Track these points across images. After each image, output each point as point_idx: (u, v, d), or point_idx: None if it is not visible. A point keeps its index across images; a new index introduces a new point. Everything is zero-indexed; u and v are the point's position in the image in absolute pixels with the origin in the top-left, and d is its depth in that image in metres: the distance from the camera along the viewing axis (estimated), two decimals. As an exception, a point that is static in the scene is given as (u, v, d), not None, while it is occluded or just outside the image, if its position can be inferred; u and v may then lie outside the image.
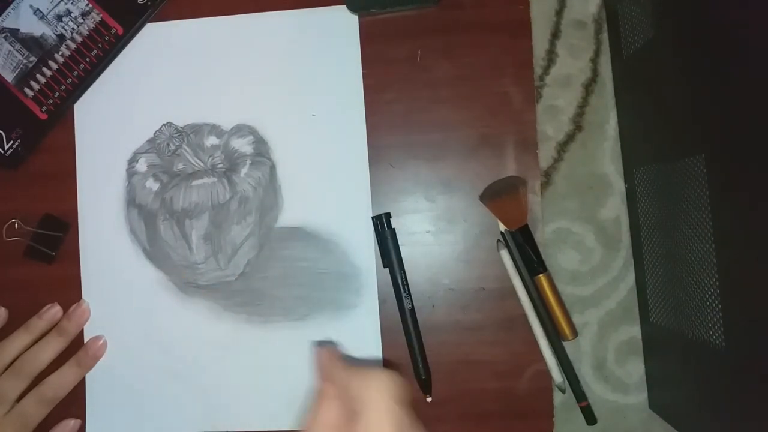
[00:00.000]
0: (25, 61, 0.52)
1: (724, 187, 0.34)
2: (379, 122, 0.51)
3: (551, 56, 0.51)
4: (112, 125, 0.53)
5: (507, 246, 0.49)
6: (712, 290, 0.36)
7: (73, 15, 0.52)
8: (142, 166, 0.52)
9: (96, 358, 0.51)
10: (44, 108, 0.52)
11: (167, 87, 0.52)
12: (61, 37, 0.52)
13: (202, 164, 0.52)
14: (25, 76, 0.52)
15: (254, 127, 0.51)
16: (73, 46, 0.52)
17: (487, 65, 0.50)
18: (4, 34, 0.52)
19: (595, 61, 0.50)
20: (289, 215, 0.51)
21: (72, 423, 0.51)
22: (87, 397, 0.52)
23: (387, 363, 0.50)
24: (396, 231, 0.50)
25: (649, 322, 0.47)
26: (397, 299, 0.49)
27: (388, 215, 0.50)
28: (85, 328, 0.52)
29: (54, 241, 0.52)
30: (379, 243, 0.50)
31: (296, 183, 0.51)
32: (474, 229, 0.50)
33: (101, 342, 0.51)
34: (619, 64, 0.49)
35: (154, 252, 0.52)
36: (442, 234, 0.50)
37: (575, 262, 0.50)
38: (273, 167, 0.51)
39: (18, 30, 0.52)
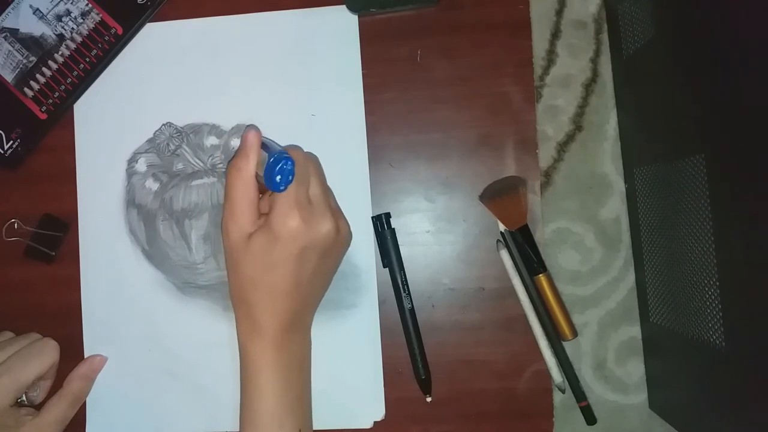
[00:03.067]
0: (24, 61, 0.52)
1: (724, 187, 0.34)
2: (379, 122, 0.51)
3: (551, 56, 0.51)
4: (111, 125, 0.53)
5: (507, 246, 0.49)
6: (712, 290, 0.36)
7: (72, 15, 0.52)
8: (141, 166, 0.52)
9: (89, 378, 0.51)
10: (44, 108, 0.52)
11: (167, 87, 0.52)
12: (61, 37, 0.52)
13: (201, 164, 0.52)
14: (25, 76, 0.52)
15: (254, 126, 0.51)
16: (72, 45, 0.52)
17: (487, 65, 0.50)
18: (3, 34, 0.52)
19: (595, 61, 0.50)
20: (289, 215, 0.51)
21: (98, 359, 0.51)
22: (87, 396, 0.52)
23: (387, 363, 0.50)
24: (396, 231, 0.50)
25: (649, 322, 0.47)
26: (396, 299, 0.49)
27: (388, 215, 0.50)
28: (84, 329, 0.52)
29: (54, 241, 0.52)
30: (378, 243, 0.50)
31: (296, 183, 0.51)
32: (474, 229, 0.50)
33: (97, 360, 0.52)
34: (619, 64, 0.49)
35: (153, 252, 0.52)
36: (441, 234, 0.50)
37: (575, 262, 0.50)
38: (273, 167, 0.51)
39: (18, 30, 0.52)
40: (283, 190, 0.42)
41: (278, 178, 0.41)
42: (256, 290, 0.43)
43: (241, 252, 0.43)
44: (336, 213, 0.45)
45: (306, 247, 0.42)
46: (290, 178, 0.42)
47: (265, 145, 0.44)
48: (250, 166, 0.43)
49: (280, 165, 0.41)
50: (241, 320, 0.45)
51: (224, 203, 0.44)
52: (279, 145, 0.45)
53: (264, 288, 0.43)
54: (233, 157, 0.44)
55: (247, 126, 0.47)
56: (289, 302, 0.43)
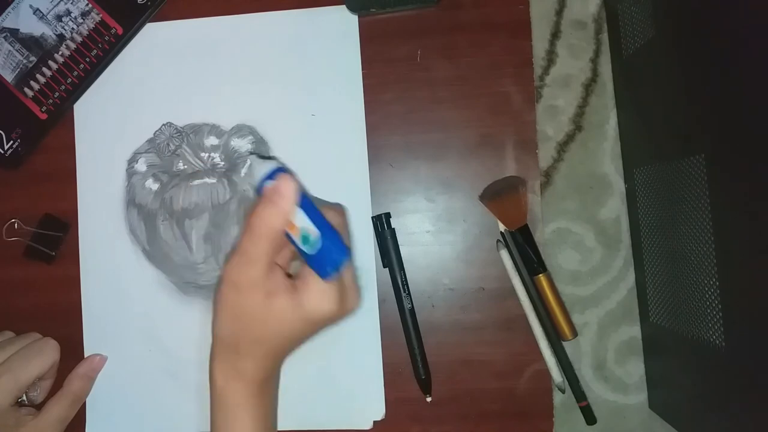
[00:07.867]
0: (24, 61, 0.52)
1: (724, 187, 0.34)
2: (379, 122, 0.51)
3: (551, 56, 0.51)
4: (111, 125, 0.53)
5: (507, 246, 0.49)
6: (712, 290, 0.36)
7: (72, 15, 0.52)
8: (141, 166, 0.52)
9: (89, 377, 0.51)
10: (44, 108, 0.52)
11: (167, 87, 0.52)
12: (61, 37, 0.52)
13: (201, 164, 0.52)
14: (25, 76, 0.52)
15: (254, 127, 0.51)
16: (72, 46, 0.52)
17: (487, 65, 0.50)
18: (3, 34, 0.52)
19: (595, 61, 0.50)
20: (289, 215, 0.51)
21: (98, 358, 0.51)
22: (87, 396, 0.52)
23: (387, 363, 0.50)
24: (396, 231, 0.50)
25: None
26: (396, 299, 0.49)
27: (388, 215, 0.50)
28: (84, 329, 0.52)
29: (54, 241, 0.52)
30: (378, 243, 0.50)
31: (296, 183, 0.51)
32: (474, 229, 0.50)
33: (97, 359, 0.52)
34: (619, 64, 0.49)
35: (154, 252, 0.52)
36: (442, 234, 0.50)
37: (575, 262, 0.50)
38: (273, 167, 0.51)
39: (18, 30, 0.52)
40: (328, 280, 0.38)
41: (329, 269, 0.37)
42: (254, 344, 0.41)
43: (255, 306, 0.39)
44: (359, 290, 0.43)
45: (327, 323, 0.42)
46: (341, 269, 0.38)
47: (306, 204, 0.37)
48: (282, 223, 0.38)
49: (334, 255, 0.37)
50: (222, 361, 0.43)
51: (237, 250, 0.39)
52: (315, 207, 0.38)
53: (264, 344, 0.41)
54: (260, 204, 0.38)
55: (278, 169, 0.39)
56: (281, 357, 0.43)
